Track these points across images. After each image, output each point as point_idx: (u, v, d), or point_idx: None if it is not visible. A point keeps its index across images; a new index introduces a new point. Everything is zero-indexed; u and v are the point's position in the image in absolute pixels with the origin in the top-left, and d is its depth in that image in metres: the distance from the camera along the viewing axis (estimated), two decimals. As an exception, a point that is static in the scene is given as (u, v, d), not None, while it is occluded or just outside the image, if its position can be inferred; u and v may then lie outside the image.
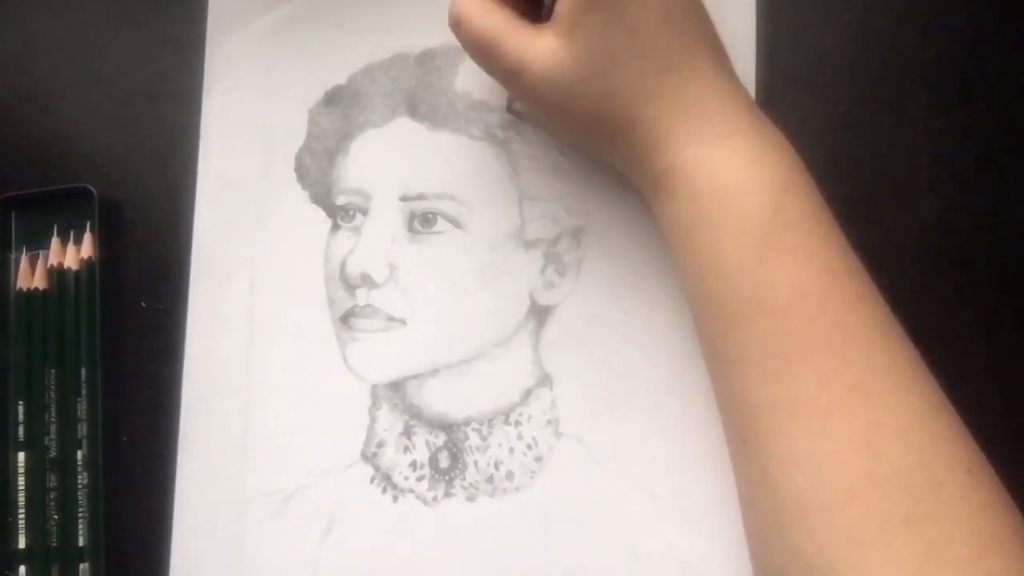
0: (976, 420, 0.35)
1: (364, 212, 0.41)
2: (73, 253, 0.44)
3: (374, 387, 0.41)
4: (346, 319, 0.41)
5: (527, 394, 0.40)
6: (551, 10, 0.34)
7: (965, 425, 0.30)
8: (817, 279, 0.31)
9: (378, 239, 0.41)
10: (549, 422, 0.39)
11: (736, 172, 0.32)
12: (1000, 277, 0.37)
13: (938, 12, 0.39)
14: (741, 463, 0.32)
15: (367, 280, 0.41)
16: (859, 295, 0.31)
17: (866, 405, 0.29)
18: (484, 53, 0.35)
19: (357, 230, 0.41)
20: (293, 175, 0.43)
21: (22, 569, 0.42)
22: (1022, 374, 0.37)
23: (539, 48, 0.33)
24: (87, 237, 0.44)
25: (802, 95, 0.39)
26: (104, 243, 0.44)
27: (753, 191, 0.31)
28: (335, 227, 0.42)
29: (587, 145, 0.38)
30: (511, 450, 0.39)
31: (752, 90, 0.38)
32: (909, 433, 0.29)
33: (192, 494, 0.41)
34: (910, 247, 0.38)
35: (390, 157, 0.42)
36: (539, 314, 0.40)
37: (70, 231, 0.44)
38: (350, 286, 0.41)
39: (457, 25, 0.36)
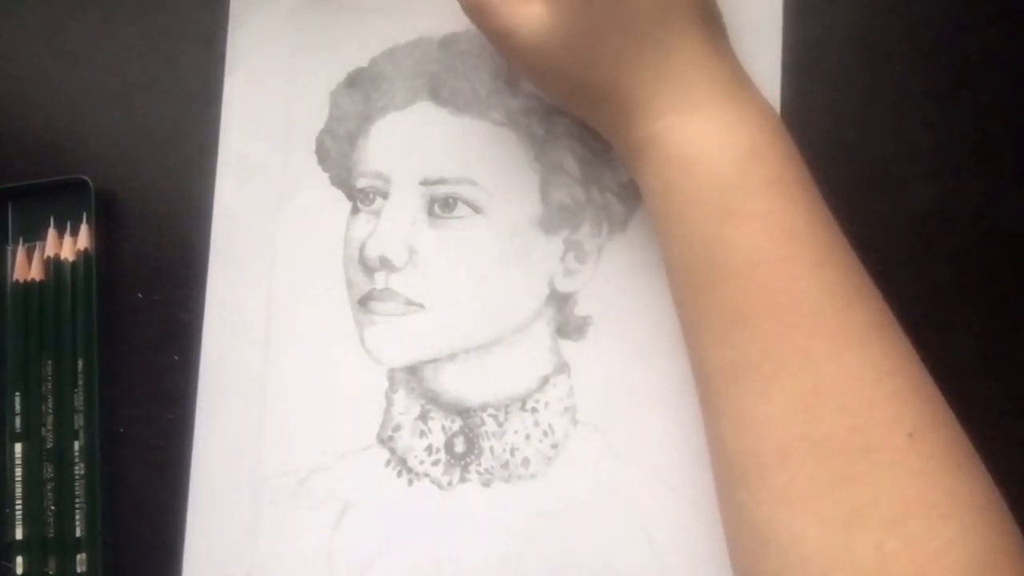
0: (972, 407, 0.35)
1: (384, 195, 0.41)
2: (69, 244, 0.43)
3: (391, 371, 0.41)
4: (364, 302, 0.41)
5: (544, 381, 0.40)
6: None
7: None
8: (775, 247, 0.31)
9: (397, 222, 0.41)
10: (566, 409, 0.39)
11: (704, 140, 0.32)
12: (996, 264, 0.38)
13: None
14: (704, 425, 0.34)
15: (386, 263, 0.41)
16: (817, 261, 0.31)
17: (807, 369, 0.30)
18: (477, 12, 0.36)
19: (377, 213, 0.41)
20: (314, 157, 0.42)
21: (19, 560, 0.42)
22: (1018, 361, 0.37)
23: (527, 13, 0.34)
24: (83, 228, 0.43)
25: (796, 83, 0.39)
26: (101, 234, 0.43)
27: (719, 159, 0.32)
28: (355, 210, 0.42)
29: (574, 111, 0.38)
30: (527, 436, 0.39)
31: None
32: (846, 397, 0.29)
33: (208, 474, 0.41)
34: (906, 234, 0.38)
35: (411, 141, 0.41)
36: (558, 301, 0.40)
37: (66, 222, 0.44)
38: (369, 269, 0.41)
39: None
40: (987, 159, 0.38)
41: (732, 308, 0.31)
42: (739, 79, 0.34)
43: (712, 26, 0.34)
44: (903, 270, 0.38)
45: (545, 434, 0.39)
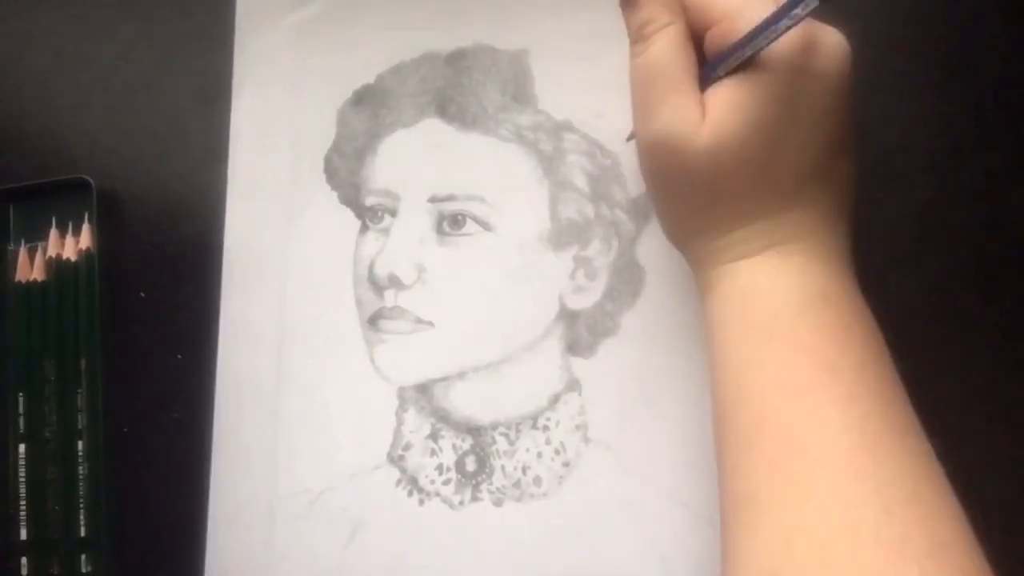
0: (976, 397, 0.35)
1: (393, 213, 0.41)
2: (72, 244, 0.44)
3: (401, 389, 0.41)
4: (374, 321, 0.41)
5: (555, 399, 0.39)
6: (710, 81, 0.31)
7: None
8: (808, 375, 0.29)
9: (406, 240, 0.41)
10: (577, 427, 0.39)
11: (775, 278, 0.31)
12: (997, 254, 0.37)
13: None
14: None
15: (395, 282, 0.40)
16: (852, 395, 0.28)
17: (801, 501, 0.27)
18: (647, 86, 0.31)
19: (386, 231, 0.41)
20: (322, 176, 0.42)
21: (24, 560, 0.42)
22: (1021, 350, 0.37)
23: (693, 119, 0.30)
24: (85, 228, 0.44)
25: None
26: (103, 234, 0.44)
27: (782, 294, 0.30)
28: (364, 228, 0.42)
29: (664, 219, 0.35)
30: (539, 455, 0.39)
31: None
32: (833, 541, 0.26)
33: (226, 495, 0.41)
34: (908, 225, 0.38)
35: (419, 158, 0.41)
36: (568, 318, 0.39)
37: (68, 222, 0.44)
38: (378, 288, 0.41)
39: (642, 40, 0.32)
40: (987, 149, 0.38)
41: (746, 435, 0.29)
42: (840, 257, 0.31)
43: (834, 197, 0.32)
44: (905, 261, 0.37)
45: (557, 452, 0.39)
